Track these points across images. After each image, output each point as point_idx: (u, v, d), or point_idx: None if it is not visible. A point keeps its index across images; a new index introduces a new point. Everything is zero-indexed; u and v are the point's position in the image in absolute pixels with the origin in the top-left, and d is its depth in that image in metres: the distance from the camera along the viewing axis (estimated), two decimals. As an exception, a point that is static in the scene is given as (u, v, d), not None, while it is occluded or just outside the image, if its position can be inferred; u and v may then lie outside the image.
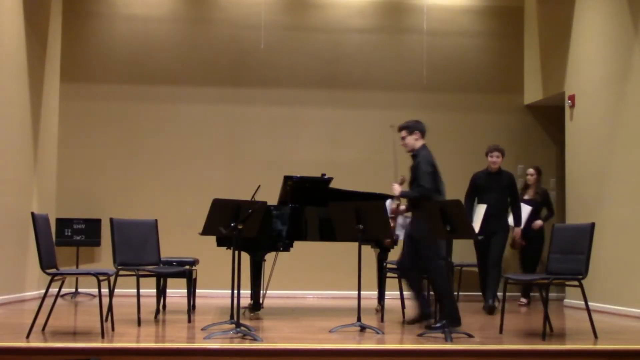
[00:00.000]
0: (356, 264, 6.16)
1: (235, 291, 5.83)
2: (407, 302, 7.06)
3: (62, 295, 8.38)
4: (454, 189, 7.78)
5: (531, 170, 8.99)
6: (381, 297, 7.43)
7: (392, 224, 6.60)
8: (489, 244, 7.84)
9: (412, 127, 6.48)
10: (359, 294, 6.19)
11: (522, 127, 10.27)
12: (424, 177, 6.25)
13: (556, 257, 6.03)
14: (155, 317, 6.66)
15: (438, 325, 5.93)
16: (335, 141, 10.03)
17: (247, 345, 5.16)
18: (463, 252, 9.00)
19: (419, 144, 6.48)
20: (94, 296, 8.54)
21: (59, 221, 9.23)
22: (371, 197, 7.03)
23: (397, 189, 6.44)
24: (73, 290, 9.02)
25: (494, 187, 7.96)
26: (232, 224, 5.70)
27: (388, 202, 6.77)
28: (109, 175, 9.72)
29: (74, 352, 4.89)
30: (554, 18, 9.65)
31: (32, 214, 5.63)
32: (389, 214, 6.50)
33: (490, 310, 7.56)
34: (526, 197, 8.86)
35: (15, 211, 8.20)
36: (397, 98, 10.17)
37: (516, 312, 8.04)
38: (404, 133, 6.50)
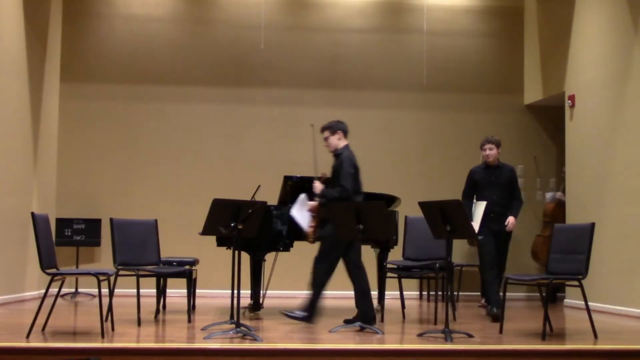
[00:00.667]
0: (356, 264, 6.15)
1: (235, 291, 5.84)
2: (406, 303, 7.07)
3: (62, 295, 8.38)
4: (455, 188, 7.80)
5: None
6: (381, 297, 7.43)
7: (313, 224, 6.59)
8: (494, 245, 7.17)
9: (335, 127, 6.60)
10: (359, 294, 6.19)
11: (522, 127, 10.27)
12: (345, 177, 6.38)
13: (556, 257, 6.03)
14: (155, 317, 6.66)
15: (353, 321, 6.29)
16: (335, 141, 10.02)
17: (247, 345, 5.16)
18: (463, 252, 9.01)
19: (342, 143, 6.61)
20: (94, 296, 8.54)
21: (59, 221, 9.23)
22: (371, 197, 7.02)
23: (318, 187, 6.55)
24: (73, 290, 9.02)
25: (494, 182, 7.30)
26: (232, 224, 5.70)
27: (302, 197, 6.69)
28: (109, 175, 9.72)
29: (74, 352, 4.89)
30: (554, 18, 9.65)
31: (32, 214, 5.63)
32: (311, 212, 6.58)
33: (495, 318, 6.85)
34: None
35: (15, 211, 8.20)
36: (397, 98, 10.17)
37: (516, 312, 8.03)
38: (326, 133, 6.63)
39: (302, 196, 6.71)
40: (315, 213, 6.56)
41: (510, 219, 7.16)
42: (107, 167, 9.75)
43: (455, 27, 10.32)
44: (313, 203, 6.56)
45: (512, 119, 10.27)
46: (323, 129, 6.67)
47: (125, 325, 5.98)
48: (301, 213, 6.69)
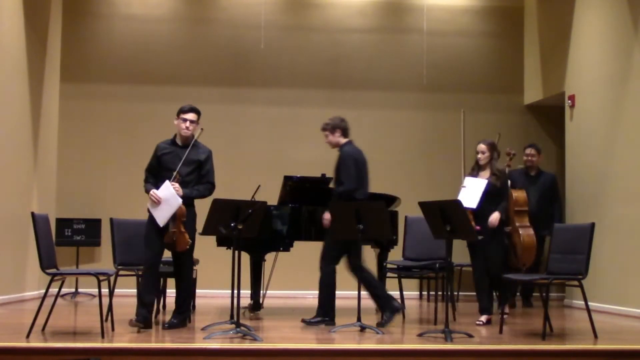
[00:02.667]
0: (356, 264, 6.15)
1: (235, 291, 5.84)
2: (406, 303, 7.07)
3: (62, 295, 8.37)
4: (455, 188, 7.78)
5: (482, 147, 6.97)
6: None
7: (174, 229, 5.95)
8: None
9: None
10: (359, 294, 6.19)
11: (522, 127, 10.26)
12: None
13: (556, 257, 6.04)
14: (155, 317, 6.65)
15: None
16: (335, 141, 10.02)
17: (247, 345, 5.16)
18: (463, 252, 8.99)
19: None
20: (94, 296, 8.54)
21: (59, 221, 9.23)
22: (371, 197, 7.03)
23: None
24: (73, 290, 9.02)
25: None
26: (232, 224, 5.70)
27: (167, 184, 5.94)
28: (109, 175, 9.72)
29: (74, 352, 4.90)
30: (554, 18, 9.65)
31: (32, 214, 5.63)
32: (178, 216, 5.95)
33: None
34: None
35: (15, 211, 8.20)
36: (397, 98, 10.17)
37: (516, 312, 8.03)
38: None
39: (167, 183, 5.96)
40: (180, 220, 5.93)
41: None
42: (107, 167, 9.75)
43: (455, 27, 10.31)
44: (182, 207, 5.92)
45: (512, 119, 10.27)
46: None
47: (125, 325, 5.98)
48: (164, 206, 5.92)
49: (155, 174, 6.14)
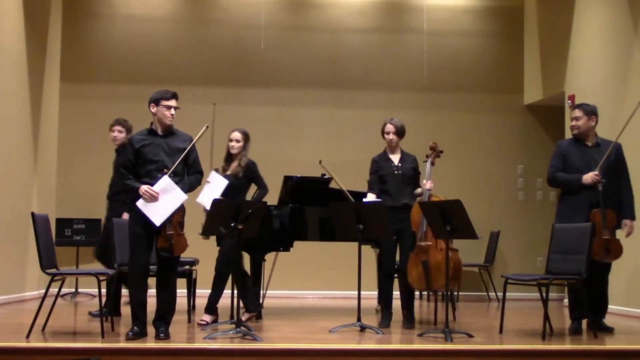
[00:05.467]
0: (356, 264, 6.15)
1: (235, 291, 5.83)
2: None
3: (62, 295, 8.37)
4: (455, 188, 7.79)
5: (237, 135, 6.75)
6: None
7: (171, 231, 5.46)
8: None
9: None
10: (359, 294, 6.19)
11: (522, 127, 10.27)
12: None
13: (556, 257, 6.03)
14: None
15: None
16: (335, 141, 10.03)
17: (247, 345, 5.16)
18: (463, 252, 8.99)
19: None
20: (94, 296, 8.53)
21: (59, 221, 9.23)
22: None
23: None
24: (73, 290, 9.02)
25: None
26: (232, 224, 5.70)
27: (166, 179, 5.40)
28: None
29: (74, 352, 4.89)
30: (554, 18, 9.65)
31: (32, 214, 5.63)
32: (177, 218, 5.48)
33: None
34: (229, 172, 6.76)
35: (15, 211, 8.20)
36: (397, 98, 10.17)
37: (516, 312, 8.03)
38: None
39: (169, 182, 5.41)
40: (177, 220, 5.47)
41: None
42: (107, 167, 9.72)
43: (455, 27, 10.32)
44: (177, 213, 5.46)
45: (512, 119, 10.27)
46: None
47: (125, 325, 5.97)
48: (164, 204, 5.37)
49: (134, 170, 5.45)
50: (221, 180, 6.40)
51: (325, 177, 7.47)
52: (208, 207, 6.03)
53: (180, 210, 5.44)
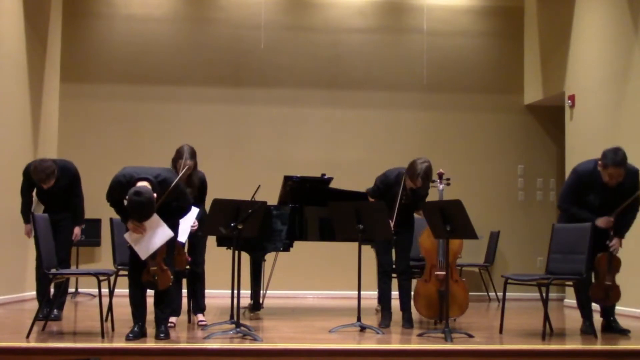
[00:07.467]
0: (356, 264, 6.15)
1: (235, 291, 5.84)
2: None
3: (62, 295, 8.37)
4: (454, 188, 7.79)
5: (190, 162, 6.45)
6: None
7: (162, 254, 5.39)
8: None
9: None
10: (359, 294, 6.19)
11: (522, 127, 10.27)
12: None
13: (556, 257, 6.03)
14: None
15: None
16: (335, 141, 10.03)
17: (247, 345, 5.16)
18: (463, 252, 8.99)
19: None
20: (94, 296, 8.53)
21: (59, 221, 9.21)
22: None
23: None
24: (73, 290, 9.01)
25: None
26: (232, 224, 5.69)
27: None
28: (109, 175, 9.65)
29: (74, 352, 4.90)
30: (554, 18, 9.65)
31: (32, 214, 5.63)
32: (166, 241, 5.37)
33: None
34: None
35: (15, 211, 8.19)
36: (397, 98, 10.17)
37: (516, 312, 8.03)
38: None
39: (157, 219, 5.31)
40: (161, 256, 5.34)
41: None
42: (107, 167, 9.71)
43: (455, 27, 10.32)
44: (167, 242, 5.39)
45: (512, 119, 10.27)
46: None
47: (125, 325, 5.98)
48: (150, 238, 5.30)
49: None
50: (192, 210, 6.01)
51: (326, 177, 7.47)
52: (184, 239, 5.97)
53: (166, 246, 5.32)
